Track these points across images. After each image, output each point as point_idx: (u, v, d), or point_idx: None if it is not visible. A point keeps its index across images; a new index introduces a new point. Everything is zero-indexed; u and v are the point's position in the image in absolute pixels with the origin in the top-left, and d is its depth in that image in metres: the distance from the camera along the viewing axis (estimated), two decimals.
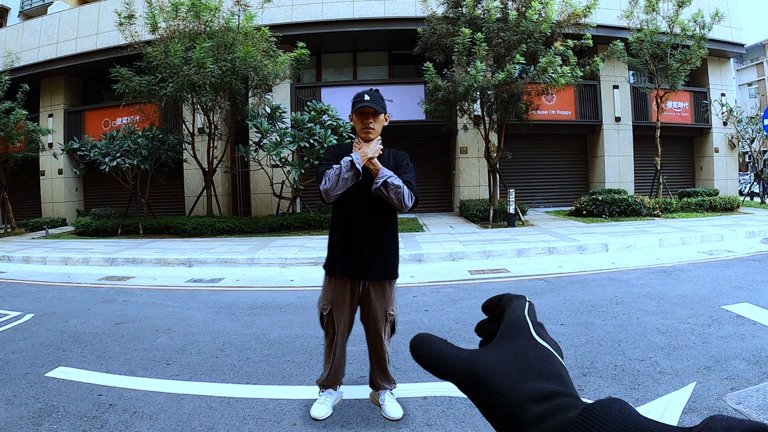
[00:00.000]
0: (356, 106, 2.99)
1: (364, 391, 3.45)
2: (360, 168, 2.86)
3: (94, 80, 18.42)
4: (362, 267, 3.07)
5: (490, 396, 0.40)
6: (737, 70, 39.58)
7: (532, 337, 0.44)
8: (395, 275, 3.19)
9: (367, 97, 2.97)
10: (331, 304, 3.16)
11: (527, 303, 0.48)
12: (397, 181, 2.88)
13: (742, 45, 18.83)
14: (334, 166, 2.89)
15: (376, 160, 2.93)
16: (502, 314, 0.48)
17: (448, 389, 3.36)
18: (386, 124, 3.13)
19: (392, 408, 3.17)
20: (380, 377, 3.25)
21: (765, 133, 17.11)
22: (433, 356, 0.43)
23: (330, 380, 3.24)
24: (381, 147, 3.01)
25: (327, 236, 3.26)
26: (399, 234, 3.27)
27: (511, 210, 12.21)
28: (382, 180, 2.86)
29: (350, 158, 2.87)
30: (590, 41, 12.25)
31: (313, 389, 3.37)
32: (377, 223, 3.08)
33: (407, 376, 3.59)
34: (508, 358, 0.42)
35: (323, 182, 2.89)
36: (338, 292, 3.14)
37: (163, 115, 14.96)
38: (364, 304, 3.18)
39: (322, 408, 3.16)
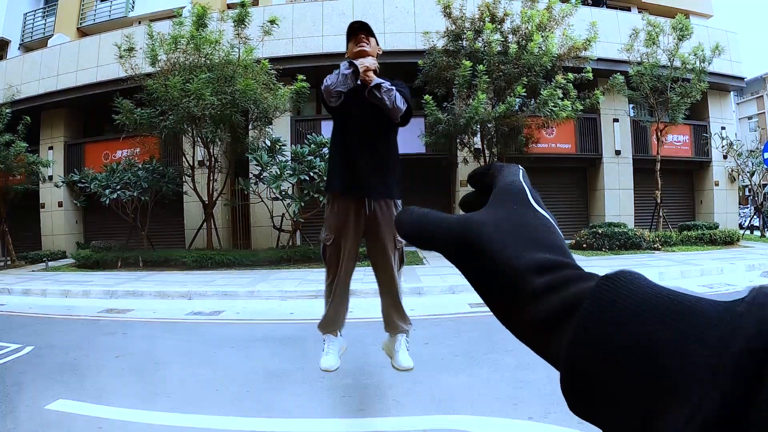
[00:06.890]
0: (350, 34, 3.12)
1: (365, 425, 3.42)
2: (359, 67, 2.87)
3: (94, 113, 18.52)
4: (364, 183, 3.01)
5: (486, 264, 0.35)
6: (737, 104, 39.81)
7: (530, 204, 0.39)
8: (400, 195, 3.17)
9: (356, 24, 3.10)
10: (334, 233, 3.07)
11: (521, 169, 0.43)
12: (390, 86, 2.91)
13: (743, 78, 18.97)
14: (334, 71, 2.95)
15: (372, 74, 2.96)
16: (492, 184, 0.42)
17: (449, 423, 3.33)
18: (380, 53, 3.19)
19: (405, 357, 3.12)
20: (396, 316, 3.18)
21: (765, 166, 17.19)
22: (414, 223, 0.39)
23: (329, 321, 3.16)
24: (377, 65, 3.04)
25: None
26: None
27: None
28: (375, 83, 2.90)
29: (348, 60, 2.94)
30: (590, 74, 12.42)
31: (314, 423, 3.34)
32: (378, 139, 3.10)
33: (407, 410, 3.57)
34: (504, 222, 0.37)
35: (324, 82, 2.92)
36: (342, 216, 3.06)
37: (163, 148, 15.03)
38: (370, 231, 3.09)
39: (331, 359, 3.08)
